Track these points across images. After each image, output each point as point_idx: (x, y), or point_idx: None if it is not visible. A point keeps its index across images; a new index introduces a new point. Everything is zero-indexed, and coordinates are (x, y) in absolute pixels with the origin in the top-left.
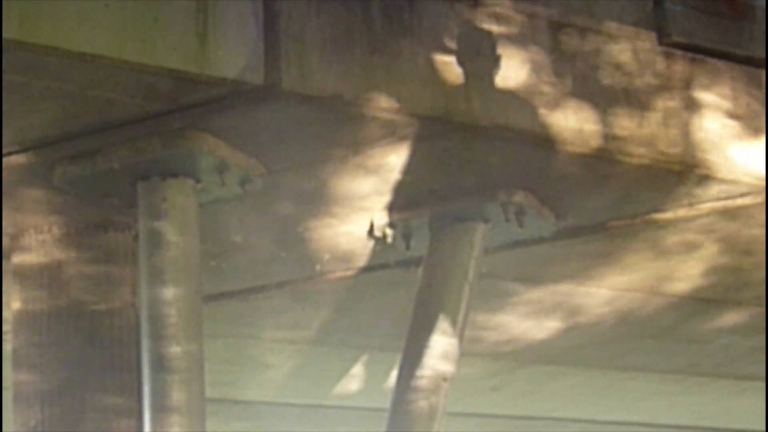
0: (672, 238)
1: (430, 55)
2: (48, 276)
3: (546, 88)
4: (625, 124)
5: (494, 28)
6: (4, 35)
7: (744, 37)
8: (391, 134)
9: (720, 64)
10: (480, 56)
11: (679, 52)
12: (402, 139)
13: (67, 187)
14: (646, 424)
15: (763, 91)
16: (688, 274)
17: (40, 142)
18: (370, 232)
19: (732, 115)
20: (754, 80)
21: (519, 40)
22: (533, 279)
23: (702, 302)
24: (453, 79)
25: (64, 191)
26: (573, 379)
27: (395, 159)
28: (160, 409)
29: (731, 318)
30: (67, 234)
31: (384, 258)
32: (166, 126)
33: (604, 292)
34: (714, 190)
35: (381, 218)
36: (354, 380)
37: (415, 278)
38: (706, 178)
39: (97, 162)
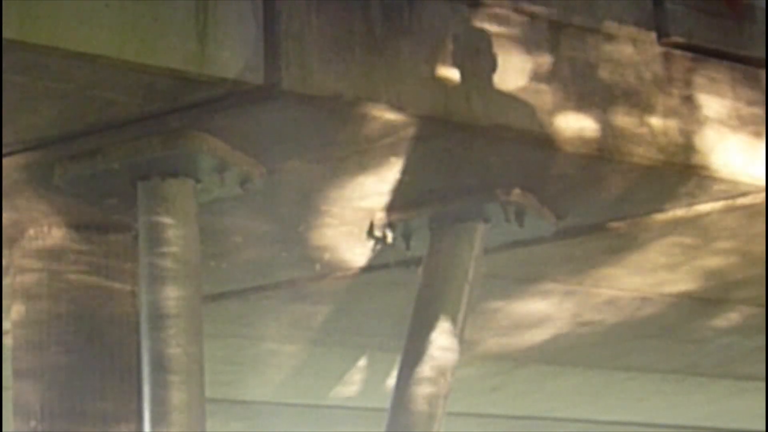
0: (672, 238)
1: (430, 55)
2: (48, 276)
3: (546, 88)
4: (625, 124)
5: (494, 28)
6: (4, 35)
7: (744, 37)
8: (391, 134)
9: (720, 64)
10: (480, 56)
11: (679, 52)
12: (402, 139)
13: (67, 187)
14: (646, 424)
15: (763, 91)
16: (688, 273)
17: (40, 142)
18: (370, 232)
19: (732, 115)
20: (754, 80)
21: (519, 41)
22: (533, 279)
23: (702, 302)
24: (453, 79)
25: (64, 191)
26: (573, 379)
27: (395, 159)
28: (160, 409)
29: (731, 318)
30: (67, 234)
31: (384, 258)
32: (166, 126)
33: (604, 292)
34: (714, 190)
35: (381, 218)
36: (354, 380)
37: (415, 278)
38: (706, 178)
39: (97, 162)
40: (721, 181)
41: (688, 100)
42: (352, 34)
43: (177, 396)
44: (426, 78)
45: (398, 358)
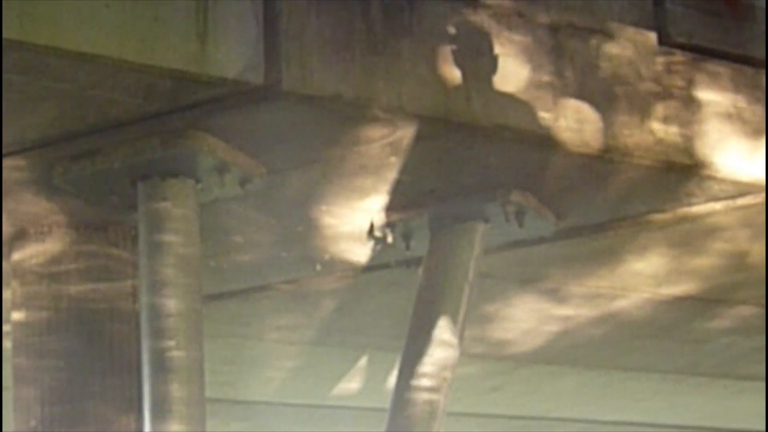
0: (672, 238)
1: (430, 55)
2: (48, 276)
3: (546, 88)
4: (625, 124)
5: (494, 28)
6: (4, 35)
7: (744, 37)
8: (391, 134)
9: (720, 64)
10: (480, 56)
11: (679, 52)
12: (402, 139)
13: (67, 187)
14: (646, 424)
15: (763, 91)
16: (688, 273)
17: (40, 142)
18: (370, 232)
19: (732, 115)
20: (754, 80)
21: (519, 40)
22: (533, 279)
23: (702, 302)
24: (453, 79)
25: (64, 191)
26: (573, 379)
27: (395, 159)
28: (160, 408)
29: (731, 318)
30: (67, 234)
31: (384, 258)
32: (166, 126)
33: (604, 292)
34: (714, 190)
35: (381, 218)
36: (354, 380)
37: (415, 278)
38: (706, 178)
39: (97, 162)
40: (721, 181)
41: (689, 100)
42: (352, 34)
43: (177, 396)
44: (426, 78)
45: (398, 358)
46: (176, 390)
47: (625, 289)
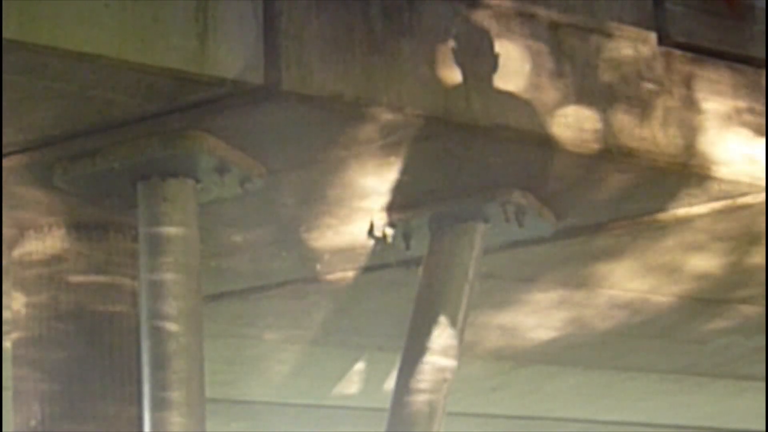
0: (672, 238)
1: (430, 55)
2: (48, 276)
3: (546, 88)
4: (625, 124)
5: (494, 28)
6: (4, 35)
7: (744, 37)
8: (391, 134)
9: (720, 64)
10: (480, 56)
11: (679, 52)
12: (402, 139)
13: (67, 187)
14: (646, 424)
15: (763, 91)
16: (688, 274)
17: (40, 142)
18: (370, 232)
19: (732, 115)
20: (754, 80)
21: (519, 40)
22: (533, 279)
23: (702, 302)
24: (453, 79)
25: (64, 191)
26: (573, 379)
27: (395, 159)
28: (160, 408)
29: (731, 318)
30: (67, 234)
31: (384, 258)
32: (166, 126)
33: (604, 292)
34: (714, 190)
35: (381, 218)
36: (354, 380)
37: (415, 278)
38: (706, 178)
39: (97, 162)
40: (721, 181)
41: (688, 100)
42: (352, 34)
43: (177, 396)
44: (426, 78)
45: (398, 358)
46: (176, 390)
47: (624, 289)
